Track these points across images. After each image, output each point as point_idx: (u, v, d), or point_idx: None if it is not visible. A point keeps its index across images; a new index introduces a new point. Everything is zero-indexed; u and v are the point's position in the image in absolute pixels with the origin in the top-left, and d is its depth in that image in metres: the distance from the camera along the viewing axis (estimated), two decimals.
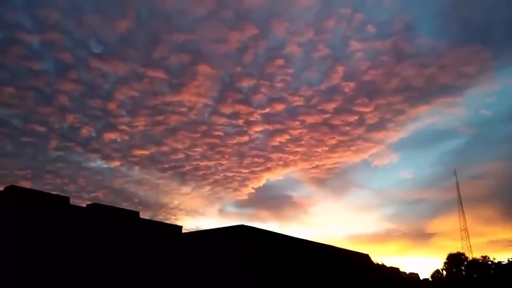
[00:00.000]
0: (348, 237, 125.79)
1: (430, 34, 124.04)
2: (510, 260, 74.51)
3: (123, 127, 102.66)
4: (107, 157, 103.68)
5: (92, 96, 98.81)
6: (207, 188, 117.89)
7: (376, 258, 66.70)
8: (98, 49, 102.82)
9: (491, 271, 75.42)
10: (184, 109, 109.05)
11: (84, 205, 41.24)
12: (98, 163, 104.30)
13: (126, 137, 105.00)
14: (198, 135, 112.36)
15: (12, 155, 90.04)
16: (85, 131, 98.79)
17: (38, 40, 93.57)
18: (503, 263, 76.28)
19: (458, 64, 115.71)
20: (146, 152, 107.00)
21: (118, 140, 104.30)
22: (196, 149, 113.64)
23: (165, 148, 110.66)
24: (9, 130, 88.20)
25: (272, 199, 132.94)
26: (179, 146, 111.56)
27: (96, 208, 40.69)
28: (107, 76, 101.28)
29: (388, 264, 67.22)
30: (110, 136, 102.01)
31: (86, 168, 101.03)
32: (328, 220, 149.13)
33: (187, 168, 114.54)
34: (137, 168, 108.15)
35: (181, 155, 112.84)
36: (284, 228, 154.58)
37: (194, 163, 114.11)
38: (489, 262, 79.87)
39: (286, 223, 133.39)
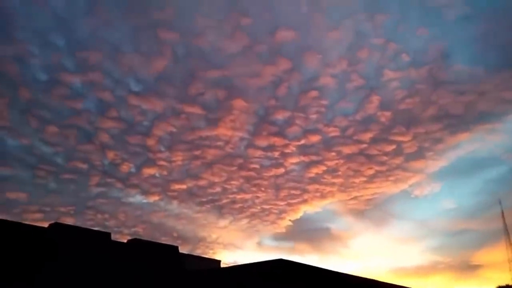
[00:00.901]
0: (390, 270, 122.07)
1: (466, 61, 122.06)
2: None
3: (161, 162, 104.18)
4: (146, 192, 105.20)
5: (131, 133, 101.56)
6: (245, 221, 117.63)
7: None
8: (137, 88, 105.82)
9: None
10: (220, 143, 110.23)
11: (125, 241, 42.01)
12: (138, 198, 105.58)
13: (165, 172, 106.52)
14: (234, 168, 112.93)
15: (55, 192, 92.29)
16: (125, 167, 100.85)
17: (80, 80, 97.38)
18: None
19: (496, 90, 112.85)
20: (184, 186, 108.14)
21: (157, 175, 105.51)
22: (233, 182, 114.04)
23: (202, 182, 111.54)
24: (52, 168, 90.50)
25: (310, 232, 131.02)
26: (216, 179, 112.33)
27: (137, 244, 41.37)
28: (146, 113, 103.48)
29: None
30: (149, 171, 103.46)
31: (126, 204, 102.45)
32: (368, 253, 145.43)
33: (224, 201, 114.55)
34: (175, 202, 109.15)
35: (218, 189, 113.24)
36: (323, 261, 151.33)
37: (231, 196, 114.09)
38: None
39: (325, 256, 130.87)
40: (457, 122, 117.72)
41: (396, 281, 76.13)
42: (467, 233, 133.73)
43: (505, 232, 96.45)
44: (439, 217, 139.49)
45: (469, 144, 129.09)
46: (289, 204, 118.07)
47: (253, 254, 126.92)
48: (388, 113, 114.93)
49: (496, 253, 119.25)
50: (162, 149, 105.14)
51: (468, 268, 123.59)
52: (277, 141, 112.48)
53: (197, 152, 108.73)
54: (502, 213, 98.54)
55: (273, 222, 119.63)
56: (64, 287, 33.25)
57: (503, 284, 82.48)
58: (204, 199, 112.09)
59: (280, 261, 39.27)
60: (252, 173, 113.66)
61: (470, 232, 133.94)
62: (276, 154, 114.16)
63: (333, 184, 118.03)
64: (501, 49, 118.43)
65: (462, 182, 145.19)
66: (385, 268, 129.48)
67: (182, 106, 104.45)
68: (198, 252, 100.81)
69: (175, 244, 46.56)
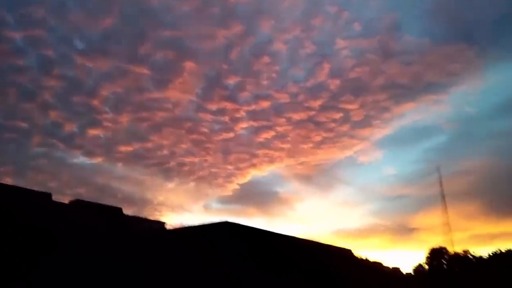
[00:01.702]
0: (332, 233, 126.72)
1: (416, 33, 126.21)
2: (491, 254, 75.86)
3: (107, 123, 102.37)
4: (90, 153, 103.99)
5: (75, 92, 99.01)
6: (192, 184, 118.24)
7: (359, 253, 67.63)
8: (82, 46, 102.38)
9: (472, 265, 76.69)
10: (169, 106, 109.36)
11: (67, 202, 41.23)
12: (81, 159, 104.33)
13: (110, 133, 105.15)
14: (183, 131, 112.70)
15: None
16: (68, 127, 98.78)
17: (22, 36, 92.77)
18: (483, 257, 77.73)
19: (443, 62, 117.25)
20: (130, 148, 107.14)
21: (102, 136, 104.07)
22: (181, 145, 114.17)
23: (149, 145, 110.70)
24: None
25: (257, 195, 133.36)
26: (164, 142, 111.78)
27: (79, 204, 40.68)
28: (91, 72, 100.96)
29: (370, 259, 68.12)
30: (93, 132, 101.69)
31: (69, 165, 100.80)
32: (313, 216, 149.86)
33: (172, 164, 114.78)
34: (120, 164, 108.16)
35: (165, 152, 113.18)
36: (270, 224, 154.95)
37: (179, 159, 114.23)
38: (470, 256, 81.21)
39: (272, 219, 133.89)
40: (404, 92, 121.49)
41: (337, 242, 79.26)
42: (405, 198, 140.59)
43: (441, 198, 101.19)
44: (381, 183, 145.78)
45: (414, 113, 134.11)
46: (237, 168, 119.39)
47: (200, 216, 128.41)
48: (337, 81, 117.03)
49: (432, 218, 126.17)
50: (108, 110, 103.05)
51: (405, 231, 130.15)
52: (228, 105, 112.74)
53: (145, 114, 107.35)
54: (440, 180, 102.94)
55: (221, 186, 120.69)
56: (2, 246, 32.44)
57: (437, 246, 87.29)
58: (151, 162, 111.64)
59: (226, 223, 39.83)
60: (201, 137, 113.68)
61: (408, 197, 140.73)
62: (226, 118, 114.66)
63: (282, 149, 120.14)
64: (449, 22, 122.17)
65: (404, 150, 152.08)
66: (327, 230, 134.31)
67: (129, 67, 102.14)
68: (144, 214, 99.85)
69: (119, 206, 46.21)
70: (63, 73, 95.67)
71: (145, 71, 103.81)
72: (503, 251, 73.51)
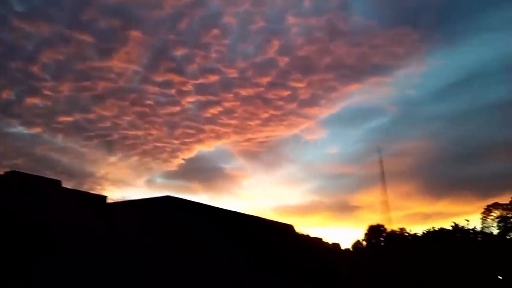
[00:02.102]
0: (276, 209, 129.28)
1: (364, 13, 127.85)
2: (425, 232, 79.69)
3: (46, 91, 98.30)
4: (28, 123, 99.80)
5: (13, 58, 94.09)
6: (135, 158, 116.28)
7: (301, 229, 69.41)
8: (21, 8, 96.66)
9: (408, 242, 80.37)
10: (113, 76, 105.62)
11: (2, 173, 39.80)
12: (19, 129, 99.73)
13: (50, 103, 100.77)
14: (127, 103, 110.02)
15: None
16: (5, 95, 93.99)
17: None
18: (418, 234, 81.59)
19: (389, 45, 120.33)
20: (70, 119, 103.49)
21: (41, 105, 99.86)
22: (125, 118, 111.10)
23: (91, 116, 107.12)
24: None
25: (203, 171, 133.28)
26: (107, 113, 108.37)
27: (15, 176, 39.29)
28: (30, 37, 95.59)
29: (311, 235, 69.96)
30: (32, 101, 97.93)
31: (5, 134, 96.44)
32: (258, 193, 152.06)
33: (115, 137, 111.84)
34: (60, 135, 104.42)
35: (108, 123, 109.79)
36: (215, 201, 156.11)
37: (122, 132, 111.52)
38: (406, 234, 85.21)
39: (217, 195, 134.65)
40: (350, 72, 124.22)
41: (280, 218, 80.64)
42: (347, 177, 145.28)
43: (381, 178, 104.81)
44: (324, 161, 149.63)
45: (359, 94, 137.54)
46: (183, 143, 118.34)
47: (143, 191, 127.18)
48: (286, 59, 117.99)
49: (371, 196, 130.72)
50: (48, 77, 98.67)
51: (346, 208, 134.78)
52: (174, 78, 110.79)
53: (87, 84, 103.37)
54: (380, 160, 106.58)
55: (165, 160, 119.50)
56: None
57: (375, 223, 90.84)
58: (92, 134, 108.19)
59: (168, 197, 39.77)
60: (146, 109, 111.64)
61: (350, 176, 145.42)
62: (173, 91, 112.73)
63: (229, 125, 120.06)
64: (396, 6, 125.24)
65: (348, 130, 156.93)
66: (271, 207, 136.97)
67: (72, 33, 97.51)
68: (85, 188, 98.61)
69: (58, 179, 44.89)
70: None
71: (88, 38, 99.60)
72: (436, 229, 77.39)
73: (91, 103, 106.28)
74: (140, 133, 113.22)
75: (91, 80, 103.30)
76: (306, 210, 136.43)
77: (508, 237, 74.49)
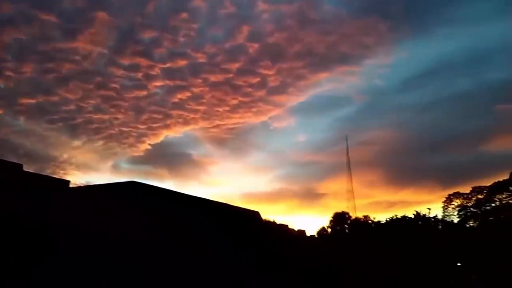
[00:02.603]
0: (243, 196, 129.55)
1: (334, 2, 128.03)
2: (388, 219, 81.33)
3: (8, 72, 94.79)
4: None
5: None
6: (100, 142, 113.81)
7: (267, 216, 69.63)
8: None
9: (371, 229, 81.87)
10: (77, 57, 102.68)
11: None
12: None
13: (11, 84, 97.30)
14: (92, 86, 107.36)
15: None
16: None
17: None
18: (381, 222, 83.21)
19: (358, 34, 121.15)
20: (33, 101, 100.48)
21: (2, 86, 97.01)
22: (90, 101, 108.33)
23: (54, 98, 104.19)
24: None
25: (170, 157, 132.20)
26: (71, 96, 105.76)
27: None
28: None
29: (278, 222, 70.27)
30: None
31: None
32: (225, 180, 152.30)
33: (79, 120, 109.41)
34: (22, 118, 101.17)
35: (72, 106, 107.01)
36: (181, 187, 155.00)
37: (86, 115, 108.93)
38: (370, 221, 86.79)
39: (184, 181, 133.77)
40: (319, 61, 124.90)
41: (247, 205, 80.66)
42: (314, 165, 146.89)
43: (347, 166, 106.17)
44: (291, 149, 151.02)
45: (328, 83, 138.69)
46: (150, 128, 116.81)
47: (107, 176, 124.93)
48: (256, 45, 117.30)
49: (337, 184, 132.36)
50: (10, 58, 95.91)
51: (312, 196, 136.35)
52: (142, 61, 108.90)
53: (51, 65, 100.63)
54: (347, 148, 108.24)
55: (131, 145, 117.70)
56: None
57: (340, 211, 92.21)
58: (56, 117, 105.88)
59: (132, 182, 38.93)
60: (111, 93, 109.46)
61: (317, 164, 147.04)
62: (140, 75, 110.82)
63: (197, 111, 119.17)
64: None
65: (316, 118, 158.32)
66: (238, 194, 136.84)
67: (36, 12, 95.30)
68: (48, 172, 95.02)
69: (20, 162, 43.40)
70: None
71: (52, 18, 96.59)
72: (399, 217, 79.03)
73: (55, 85, 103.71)
74: (105, 117, 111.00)
75: (55, 62, 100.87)
76: (273, 197, 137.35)
77: (467, 225, 76.75)
